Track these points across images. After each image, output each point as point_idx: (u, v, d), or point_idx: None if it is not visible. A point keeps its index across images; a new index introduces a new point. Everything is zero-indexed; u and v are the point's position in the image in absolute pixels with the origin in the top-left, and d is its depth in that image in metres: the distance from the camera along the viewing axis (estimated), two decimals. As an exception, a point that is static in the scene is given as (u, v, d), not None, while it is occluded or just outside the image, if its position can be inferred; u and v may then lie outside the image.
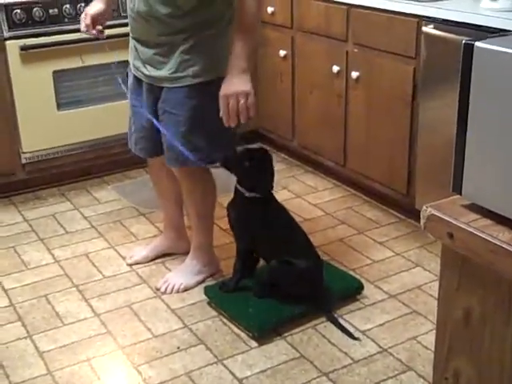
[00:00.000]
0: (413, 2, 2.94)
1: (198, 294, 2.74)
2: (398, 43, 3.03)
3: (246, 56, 2.39)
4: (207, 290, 2.71)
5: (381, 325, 2.55)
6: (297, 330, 2.52)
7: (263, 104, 4.08)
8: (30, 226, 3.36)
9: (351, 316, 2.60)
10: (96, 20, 2.65)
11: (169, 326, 2.58)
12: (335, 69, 3.41)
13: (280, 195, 3.17)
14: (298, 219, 2.75)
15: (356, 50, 3.29)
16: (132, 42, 2.62)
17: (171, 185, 2.84)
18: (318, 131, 3.69)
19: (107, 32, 2.80)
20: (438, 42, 2.81)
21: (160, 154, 2.68)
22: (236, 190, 2.58)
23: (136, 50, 2.59)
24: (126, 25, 2.69)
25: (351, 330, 2.52)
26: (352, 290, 2.72)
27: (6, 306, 2.71)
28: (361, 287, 2.72)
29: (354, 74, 3.30)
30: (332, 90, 3.49)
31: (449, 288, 1.42)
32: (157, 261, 2.99)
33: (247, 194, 2.53)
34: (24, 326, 2.59)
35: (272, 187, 2.59)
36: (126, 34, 2.68)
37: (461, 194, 1.35)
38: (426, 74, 2.92)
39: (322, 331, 2.52)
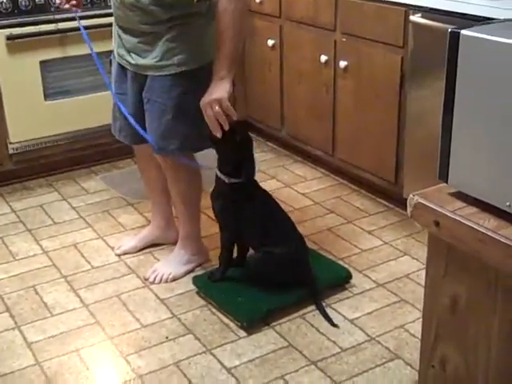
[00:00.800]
0: (400, -9, 2.94)
1: (187, 284, 2.74)
2: (386, 32, 3.03)
3: (227, 64, 2.39)
4: (195, 280, 2.71)
5: (369, 313, 2.56)
6: (285, 320, 2.53)
7: (251, 94, 4.08)
8: (18, 216, 3.35)
9: (339, 305, 2.61)
10: None
11: (157, 315, 2.57)
12: (323, 58, 3.40)
13: (269, 185, 3.18)
14: (286, 209, 2.75)
15: (344, 40, 3.29)
16: (116, 30, 2.61)
17: (159, 174, 2.83)
18: (306, 121, 3.68)
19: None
20: (425, 31, 2.81)
21: (145, 141, 2.68)
22: (217, 178, 2.56)
23: (120, 38, 2.58)
24: (110, 14, 2.67)
25: (339, 318, 2.53)
26: (340, 279, 2.72)
27: (-6, 297, 2.71)
28: (349, 276, 2.73)
29: (342, 64, 3.29)
30: (320, 79, 3.49)
31: (435, 276, 1.43)
32: (145, 251, 2.99)
33: (227, 181, 2.52)
34: (12, 316, 2.59)
35: (254, 173, 2.57)
36: (111, 24, 2.67)
37: (447, 182, 1.35)
38: (413, 63, 2.92)
39: (311, 320, 2.52)
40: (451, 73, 1.26)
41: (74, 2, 2.65)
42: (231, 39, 2.38)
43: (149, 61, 2.50)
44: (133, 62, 2.55)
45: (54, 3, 2.66)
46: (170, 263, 2.82)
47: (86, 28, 3.10)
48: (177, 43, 2.46)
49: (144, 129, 2.63)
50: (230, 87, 2.41)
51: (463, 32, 1.21)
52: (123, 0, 2.45)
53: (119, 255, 2.97)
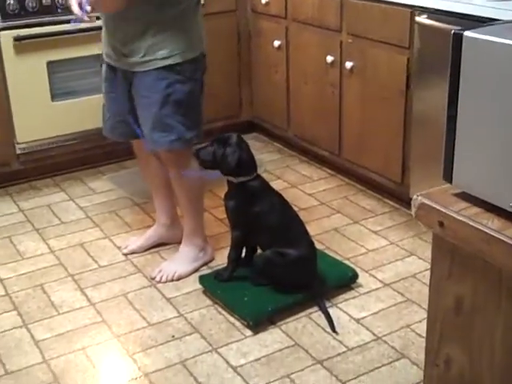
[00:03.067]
0: (406, -8, 2.94)
1: (193, 283, 2.75)
2: (392, 33, 3.03)
3: None
4: (202, 279, 2.73)
5: (375, 313, 2.57)
6: (291, 319, 2.54)
7: (258, 94, 4.09)
8: (26, 216, 3.36)
9: (346, 304, 2.62)
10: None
11: (164, 314, 2.59)
12: (329, 59, 3.41)
13: (275, 185, 3.17)
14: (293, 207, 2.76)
15: (350, 41, 3.30)
16: (104, 30, 2.67)
17: (160, 170, 2.87)
18: (312, 121, 3.69)
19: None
20: (431, 32, 2.81)
21: (139, 136, 2.75)
22: (227, 180, 2.60)
23: (108, 37, 2.65)
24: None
25: (346, 318, 2.53)
26: (347, 279, 2.73)
27: (2, 296, 2.72)
28: (355, 276, 2.74)
29: (348, 64, 3.30)
30: (326, 80, 3.49)
31: (440, 276, 1.43)
32: (152, 250, 3.01)
33: (235, 181, 2.56)
34: (20, 315, 2.61)
35: (256, 168, 2.61)
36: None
37: (451, 182, 1.36)
38: (419, 64, 2.92)
39: (317, 320, 2.53)
40: (455, 74, 1.26)
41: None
42: None
43: (134, 58, 2.57)
44: (120, 59, 2.61)
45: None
46: (176, 261, 2.83)
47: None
48: (158, 38, 2.54)
49: (138, 123, 2.70)
50: None
51: (466, 33, 1.22)
52: None
53: (126, 254, 2.99)
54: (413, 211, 1.39)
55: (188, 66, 2.59)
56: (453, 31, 1.25)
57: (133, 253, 2.99)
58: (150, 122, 2.63)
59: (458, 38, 1.23)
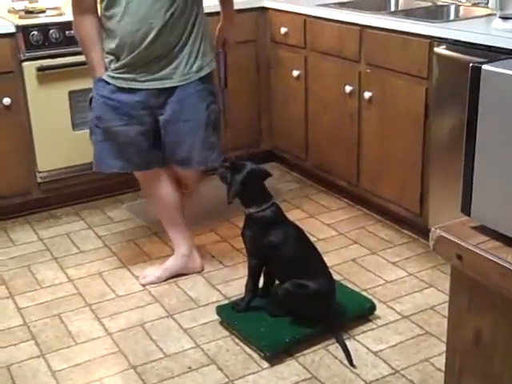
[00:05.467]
0: (425, 23, 2.95)
1: (211, 314, 2.74)
2: (411, 64, 3.04)
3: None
4: (219, 310, 2.71)
5: (393, 346, 2.54)
6: (309, 351, 2.52)
7: (277, 123, 4.10)
8: (45, 244, 3.38)
9: (363, 336, 2.59)
10: None
11: (180, 345, 2.58)
12: (348, 89, 3.42)
13: (293, 215, 3.18)
14: (310, 239, 2.74)
15: (369, 71, 3.31)
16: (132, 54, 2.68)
17: (178, 200, 2.96)
18: (331, 151, 3.69)
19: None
20: (449, 63, 2.81)
21: (157, 164, 2.85)
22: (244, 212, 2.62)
23: (138, 58, 2.67)
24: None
25: (363, 350, 2.51)
26: (364, 311, 2.71)
27: (20, 325, 2.73)
28: (373, 307, 2.71)
29: (367, 94, 3.31)
30: (345, 110, 3.50)
31: (459, 309, 1.41)
32: (169, 280, 3.00)
33: (246, 211, 2.60)
34: (37, 344, 2.61)
35: (266, 200, 2.60)
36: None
37: (469, 215, 1.35)
38: (438, 95, 2.92)
39: (334, 352, 2.51)
40: (472, 107, 1.26)
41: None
42: None
43: (176, 71, 2.69)
44: (151, 79, 2.69)
45: None
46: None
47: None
48: (196, 46, 2.70)
49: (157, 150, 2.81)
50: None
51: (484, 67, 1.22)
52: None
53: (144, 285, 2.98)
54: (431, 244, 1.38)
55: (215, 87, 2.81)
56: (471, 64, 1.24)
57: (151, 283, 2.99)
58: (198, 144, 2.76)
59: (476, 72, 1.23)
